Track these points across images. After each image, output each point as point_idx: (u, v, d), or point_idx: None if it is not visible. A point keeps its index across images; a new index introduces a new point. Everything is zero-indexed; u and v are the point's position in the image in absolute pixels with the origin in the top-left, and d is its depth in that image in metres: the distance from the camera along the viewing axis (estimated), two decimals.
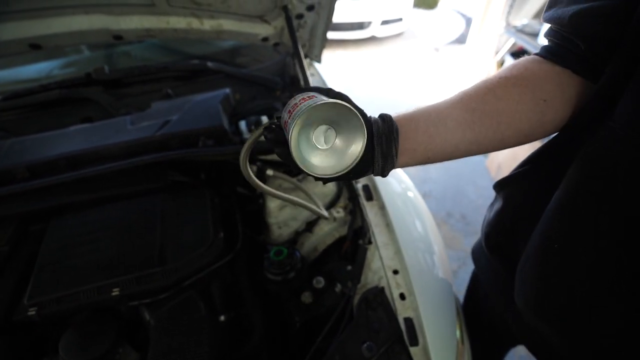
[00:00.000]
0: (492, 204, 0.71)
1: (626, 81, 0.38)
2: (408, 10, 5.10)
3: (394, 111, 0.48)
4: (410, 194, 1.08)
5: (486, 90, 0.47)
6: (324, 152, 0.42)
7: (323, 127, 0.40)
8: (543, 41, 0.51)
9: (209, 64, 1.35)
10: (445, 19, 6.14)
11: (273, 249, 0.86)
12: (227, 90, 1.19)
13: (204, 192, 0.97)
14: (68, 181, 0.91)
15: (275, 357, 0.80)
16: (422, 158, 0.48)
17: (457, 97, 0.47)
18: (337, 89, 0.46)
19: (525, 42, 3.17)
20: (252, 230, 1.04)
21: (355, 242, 0.89)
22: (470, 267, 0.94)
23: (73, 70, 1.53)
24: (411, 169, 2.74)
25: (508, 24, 3.60)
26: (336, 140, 0.41)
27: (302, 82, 1.22)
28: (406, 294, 0.77)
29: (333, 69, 4.40)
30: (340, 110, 0.38)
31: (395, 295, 0.77)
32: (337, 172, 0.42)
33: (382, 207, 0.94)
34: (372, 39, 5.03)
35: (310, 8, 1.13)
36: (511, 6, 3.56)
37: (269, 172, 0.97)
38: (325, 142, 0.41)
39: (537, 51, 0.50)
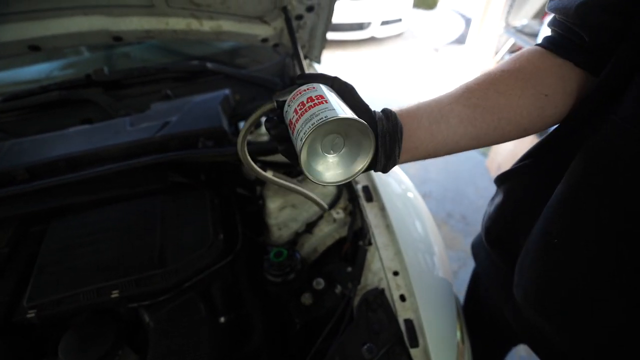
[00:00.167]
0: (492, 198, 0.71)
1: (631, 74, 0.38)
2: (407, 10, 5.10)
3: None
4: (410, 194, 1.08)
5: (488, 84, 0.46)
6: (331, 161, 0.41)
7: (332, 136, 0.39)
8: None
9: (209, 64, 1.35)
10: (445, 20, 6.14)
11: (273, 250, 0.85)
12: (227, 91, 1.19)
13: (204, 193, 0.97)
14: (68, 182, 0.91)
15: (275, 358, 0.80)
16: (424, 155, 0.48)
17: (460, 91, 0.47)
18: (343, 78, 0.45)
19: (524, 42, 3.17)
20: (252, 232, 1.04)
21: (355, 243, 0.89)
22: (470, 267, 0.94)
23: (73, 72, 1.53)
24: (411, 170, 2.74)
25: (507, 24, 3.61)
26: (344, 148, 0.41)
27: None
28: (406, 295, 0.77)
29: (333, 69, 4.40)
30: (352, 123, 0.38)
31: (396, 296, 0.77)
32: (343, 180, 0.42)
33: (382, 208, 0.94)
34: (371, 40, 5.03)
35: (310, 9, 1.13)
36: (511, 6, 3.57)
37: (269, 173, 0.97)
38: (333, 150, 0.40)
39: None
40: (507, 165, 0.65)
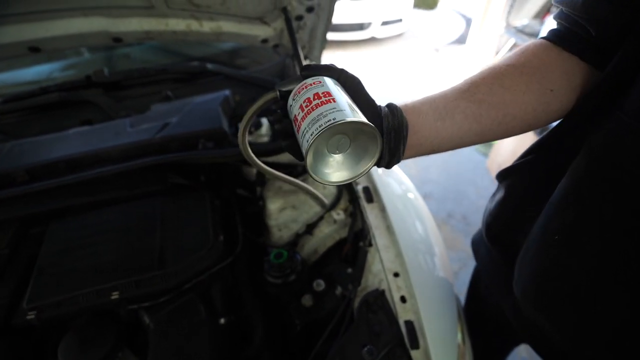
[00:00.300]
0: (494, 194, 0.71)
1: (637, 68, 0.37)
2: (408, 11, 5.10)
3: None
4: (410, 195, 1.08)
5: (493, 79, 0.46)
6: (336, 160, 0.40)
7: (338, 136, 0.38)
8: None
9: (209, 65, 1.35)
10: (446, 20, 6.14)
11: (273, 251, 0.85)
12: (227, 92, 1.19)
13: (204, 194, 0.97)
14: (68, 184, 0.91)
15: None
16: (428, 151, 0.47)
17: (465, 86, 0.47)
18: (350, 71, 0.44)
19: (525, 43, 3.17)
20: (252, 233, 1.04)
21: (355, 244, 0.89)
22: (471, 267, 0.94)
23: (73, 73, 1.53)
24: (412, 170, 2.74)
25: (508, 24, 3.61)
26: (349, 149, 0.40)
27: None
28: (407, 297, 0.77)
29: None
30: (360, 126, 0.37)
31: (396, 298, 0.77)
32: (348, 180, 0.41)
33: (383, 210, 0.94)
34: (372, 40, 5.03)
35: (310, 9, 1.13)
36: (511, 6, 3.57)
37: (273, 178, 0.97)
38: (339, 150, 0.39)
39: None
40: (508, 165, 0.65)
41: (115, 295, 0.74)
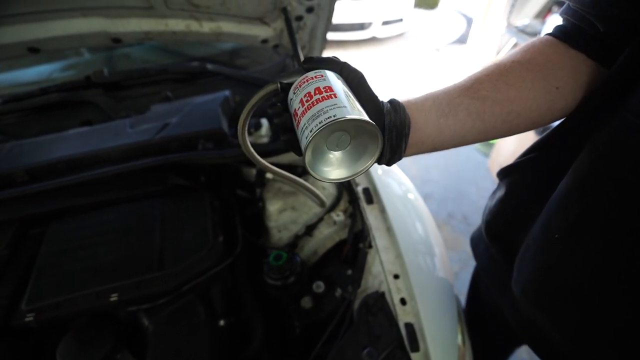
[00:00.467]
0: (494, 192, 0.70)
1: None
2: (409, 10, 5.09)
3: None
4: (410, 195, 1.07)
5: (498, 75, 0.45)
6: (335, 158, 0.39)
7: (338, 133, 0.37)
8: None
9: (209, 66, 1.34)
10: (446, 19, 6.12)
11: (272, 253, 0.85)
12: (227, 92, 1.19)
13: (204, 195, 0.97)
14: (67, 185, 0.90)
15: None
16: (429, 149, 0.47)
17: (469, 83, 0.46)
18: (352, 65, 0.43)
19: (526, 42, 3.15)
20: (252, 234, 1.03)
21: (355, 246, 0.88)
22: (471, 268, 0.93)
23: (73, 73, 1.53)
24: (412, 170, 2.74)
25: (509, 24, 3.60)
26: (349, 146, 0.39)
27: None
28: (407, 299, 0.77)
29: None
30: (361, 124, 0.36)
31: (396, 300, 0.76)
32: (347, 177, 0.40)
33: (383, 211, 0.93)
34: (372, 40, 5.02)
35: (310, 10, 1.12)
36: (512, 6, 3.56)
37: (269, 174, 0.97)
38: (338, 147, 0.39)
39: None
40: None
41: (114, 297, 0.74)
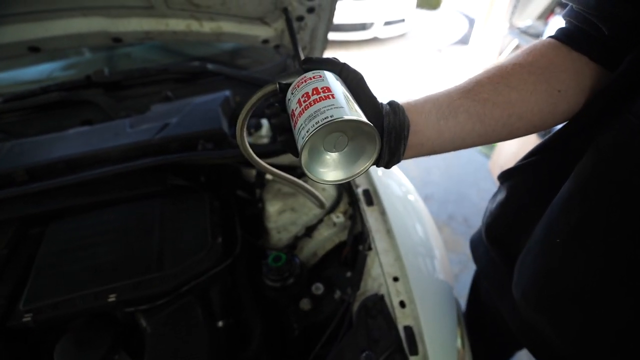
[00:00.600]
0: (495, 195, 0.70)
1: None
2: (411, 11, 5.08)
3: None
4: (411, 197, 1.07)
5: (500, 78, 0.45)
6: (333, 159, 0.39)
7: (336, 134, 0.37)
8: None
9: (209, 66, 1.34)
10: (448, 20, 6.11)
11: (271, 254, 0.85)
12: (227, 92, 1.18)
13: (203, 196, 0.97)
14: (67, 184, 0.90)
15: None
16: (429, 152, 0.46)
17: (470, 85, 0.45)
18: (353, 66, 0.43)
19: (528, 44, 3.15)
20: (252, 235, 1.03)
21: (355, 248, 0.88)
22: (472, 270, 0.93)
23: (74, 72, 1.53)
24: (413, 172, 2.73)
25: (511, 25, 3.59)
26: (347, 147, 0.38)
27: None
28: (406, 302, 0.76)
29: None
30: (358, 124, 0.35)
31: (395, 303, 0.76)
32: (344, 179, 0.40)
33: (383, 213, 0.93)
34: (374, 40, 5.01)
35: (311, 10, 1.12)
36: (515, 7, 3.55)
37: (269, 175, 0.96)
38: (336, 148, 0.38)
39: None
40: (510, 167, 0.64)
41: (112, 298, 0.74)
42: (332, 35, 1.28)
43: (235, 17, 1.12)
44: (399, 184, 1.10)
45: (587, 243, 0.45)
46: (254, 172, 1.06)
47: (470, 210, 2.41)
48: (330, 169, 0.39)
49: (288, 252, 0.87)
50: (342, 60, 0.43)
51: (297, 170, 1.05)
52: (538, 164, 0.57)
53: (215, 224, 0.89)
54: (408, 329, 0.72)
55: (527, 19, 3.56)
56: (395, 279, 0.80)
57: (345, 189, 1.03)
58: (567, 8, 0.47)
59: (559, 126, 0.51)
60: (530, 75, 0.44)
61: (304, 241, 0.99)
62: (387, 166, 0.44)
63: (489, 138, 0.47)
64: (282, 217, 0.99)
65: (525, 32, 3.31)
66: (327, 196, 1.01)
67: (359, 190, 0.99)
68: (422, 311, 0.75)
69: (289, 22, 1.10)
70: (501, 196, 0.65)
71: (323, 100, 0.36)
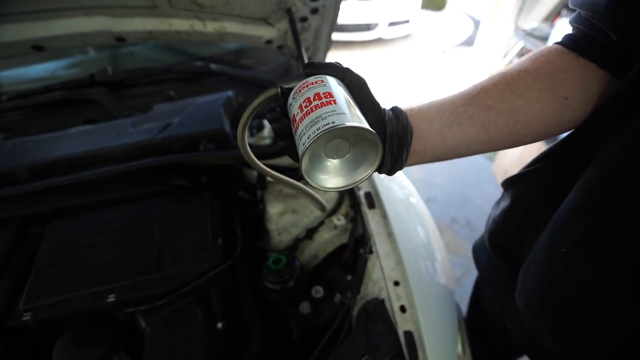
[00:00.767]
0: (498, 202, 0.69)
1: None
2: (415, 11, 5.07)
3: None
4: (412, 199, 1.06)
5: (505, 85, 0.44)
6: (334, 165, 0.39)
7: (337, 140, 0.36)
8: None
9: (212, 66, 1.34)
10: (453, 21, 6.09)
11: (272, 257, 0.84)
12: (230, 92, 1.18)
13: (204, 196, 0.96)
14: (69, 183, 0.90)
15: None
16: (432, 158, 0.46)
17: (474, 92, 0.45)
18: (355, 71, 0.42)
19: (534, 46, 3.13)
20: (252, 236, 1.03)
21: (356, 251, 0.87)
22: (474, 273, 0.92)
23: (77, 71, 1.53)
24: (416, 174, 2.72)
25: (517, 27, 3.57)
26: (349, 154, 0.38)
27: None
28: (407, 307, 0.75)
29: None
30: (360, 131, 0.35)
31: (396, 307, 0.75)
32: (345, 186, 0.39)
33: (384, 216, 0.92)
34: (378, 41, 5.00)
35: (315, 11, 1.11)
36: (520, 9, 3.53)
37: (270, 177, 0.96)
38: (337, 154, 0.38)
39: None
40: (513, 170, 0.63)
41: (111, 298, 0.73)
42: (336, 36, 1.28)
43: (238, 18, 1.12)
44: (401, 187, 1.09)
45: (593, 252, 0.44)
46: (255, 173, 1.06)
47: (473, 213, 2.40)
48: (331, 176, 0.39)
49: (288, 254, 0.86)
50: (345, 65, 0.42)
51: (298, 172, 1.05)
52: (543, 171, 0.56)
53: (216, 224, 0.89)
54: (408, 334, 0.71)
55: (532, 21, 3.53)
56: (396, 283, 0.79)
57: (346, 191, 1.03)
58: (575, 14, 0.46)
59: (565, 134, 0.50)
60: (536, 82, 0.43)
61: (305, 243, 0.98)
62: (390, 173, 0.43)
63: (494, 145, 0.46)
64: (283, 218, 0.99)
65: (530, 34, 3.28)
66: (328, 198, 1.01)
67: (361, 193, 0.98)
68: (423, 316, 0.74)
69: (292, 22, 1.10)
70: (505, 203, 0.64)
71: (325, 105, 0.35)
